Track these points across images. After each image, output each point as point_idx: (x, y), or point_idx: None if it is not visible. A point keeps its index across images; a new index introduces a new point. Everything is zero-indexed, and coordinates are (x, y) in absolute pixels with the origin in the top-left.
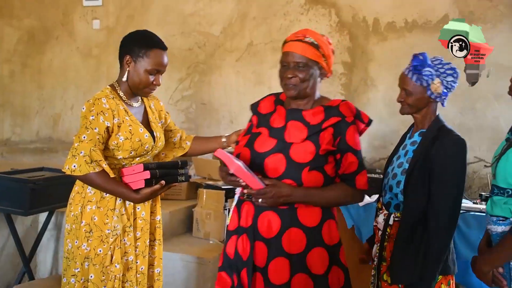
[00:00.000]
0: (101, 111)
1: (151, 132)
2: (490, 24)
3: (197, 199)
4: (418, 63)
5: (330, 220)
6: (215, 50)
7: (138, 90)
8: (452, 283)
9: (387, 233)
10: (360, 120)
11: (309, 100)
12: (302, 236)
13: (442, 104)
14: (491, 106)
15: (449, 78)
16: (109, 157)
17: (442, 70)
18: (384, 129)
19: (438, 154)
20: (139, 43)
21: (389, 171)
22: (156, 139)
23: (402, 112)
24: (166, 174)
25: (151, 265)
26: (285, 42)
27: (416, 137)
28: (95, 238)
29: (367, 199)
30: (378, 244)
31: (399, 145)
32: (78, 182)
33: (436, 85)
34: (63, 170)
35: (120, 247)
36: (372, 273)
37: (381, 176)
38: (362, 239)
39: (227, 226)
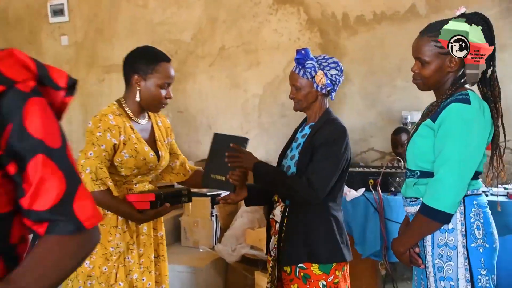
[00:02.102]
0: (108, 128)
1: (156, 151)
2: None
3: (183, 208)
4: (300, 57)
5: None
6: (187, 57)
7: (151, 106)
8: (346, 269)
9: (284, 224)
10: (52, 85)
11: None
12: None
13: (331, 98)
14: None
15: (333, 72)
16: (112, 173)
17: (325, 64)
18: (362, 122)
19: (318, 140)
20: (145, 60)
21: (283, 164)
22: (160, 158)
23: (296, 108)
24: (170, 197)
25: (156, 282)
26: None
27: (307, 130)
28: (100, 256)
29: (354, 193)
30: (276, 236)
31: (291, 139)
32: None
33: (320, 77)
34: None
35: (124, 265)
36: (271, 265)
37: (365, 169)
38: (352, 233)
39: None
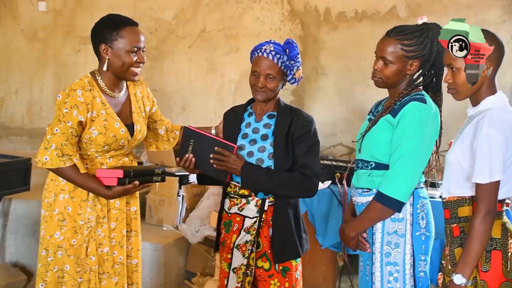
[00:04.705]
0: (75, 104)
1: (132, 124)
2: (435, 17)
3: (149, 186)
4: (295, 51)
5: None
6: (167, 36)
7: (124, 74)
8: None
9: (262, 218)
10: None
11: None
12: None
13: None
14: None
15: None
16: (83, 149)
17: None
18: (334, 116)
19: (297, 132)
20: (108, 27)
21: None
22: (135, 132)
23: (265, 98)
24: (141, 175)
25: (128, 256)
26: None
27: (267, 120)
28: (69, 228)
29: (320, 185)
30: (253, 232)
31: (238, 127)
32: None
33: (300, 72)
34: (36, 160)
35: (95, 239)
36: (245, 263)
37: (333, 163)
38: (314, 223)
39: None
